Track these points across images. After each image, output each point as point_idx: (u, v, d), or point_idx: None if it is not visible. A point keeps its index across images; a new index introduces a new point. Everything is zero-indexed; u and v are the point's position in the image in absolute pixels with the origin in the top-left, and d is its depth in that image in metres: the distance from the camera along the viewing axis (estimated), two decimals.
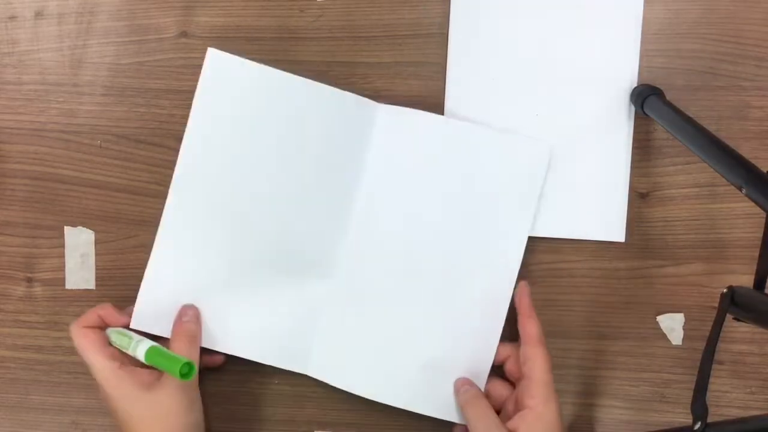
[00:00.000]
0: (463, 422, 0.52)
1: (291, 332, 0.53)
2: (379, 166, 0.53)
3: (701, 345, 0.42)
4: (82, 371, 0.57)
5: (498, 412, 0.50)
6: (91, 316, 0.51)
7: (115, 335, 0.51)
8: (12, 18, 0.56)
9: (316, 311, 0.53)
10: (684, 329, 0.54)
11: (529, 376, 0.49)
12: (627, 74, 0.53)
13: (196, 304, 0.52)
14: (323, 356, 0.53)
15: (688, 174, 0.53)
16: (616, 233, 0.54)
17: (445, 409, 0.53)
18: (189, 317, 0.51)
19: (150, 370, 0.49)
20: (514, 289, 0.53)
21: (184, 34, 0.55)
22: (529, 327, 0.50)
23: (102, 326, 0.52)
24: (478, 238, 0.53)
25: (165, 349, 0.49)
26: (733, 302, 0.40)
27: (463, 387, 0.52)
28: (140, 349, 0.48)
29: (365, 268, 0.53)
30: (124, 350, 0.50)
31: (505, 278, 0.53)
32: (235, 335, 0.53)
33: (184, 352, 0.49)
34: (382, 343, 0.53)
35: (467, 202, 0.53)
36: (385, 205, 0.53)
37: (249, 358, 0.53)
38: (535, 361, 0.49)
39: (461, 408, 0.51)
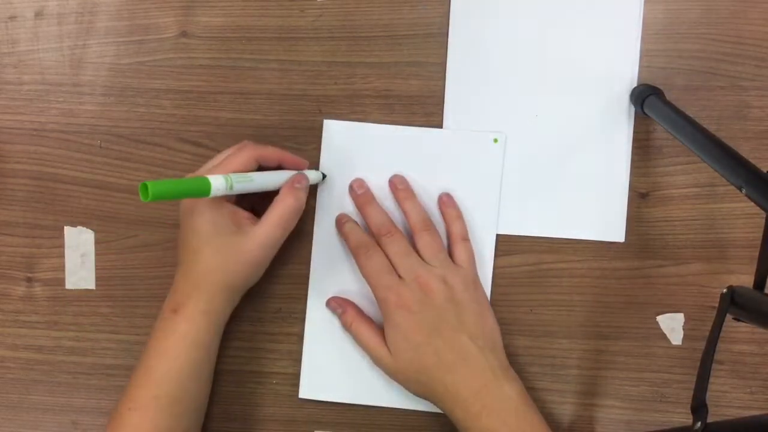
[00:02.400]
0: None
1: None
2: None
3: (701, 345, 0.42)
4: (82, 371, 0.57)
5: None
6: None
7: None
8: (12, 18, 0.56)
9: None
10: (684, 329, 0.54)
11: None
12: (627, 74, 0.53)
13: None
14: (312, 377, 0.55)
15: (688, 174, 0.53)
16: (616, 233, 0.54)
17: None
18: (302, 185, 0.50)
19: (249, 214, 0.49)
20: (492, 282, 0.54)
21: (184, 34, 0.55)
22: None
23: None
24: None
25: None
26: (733, 302, 0.40)
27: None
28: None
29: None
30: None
31: (483, 274, 0.54)
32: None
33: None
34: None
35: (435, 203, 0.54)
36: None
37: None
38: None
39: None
